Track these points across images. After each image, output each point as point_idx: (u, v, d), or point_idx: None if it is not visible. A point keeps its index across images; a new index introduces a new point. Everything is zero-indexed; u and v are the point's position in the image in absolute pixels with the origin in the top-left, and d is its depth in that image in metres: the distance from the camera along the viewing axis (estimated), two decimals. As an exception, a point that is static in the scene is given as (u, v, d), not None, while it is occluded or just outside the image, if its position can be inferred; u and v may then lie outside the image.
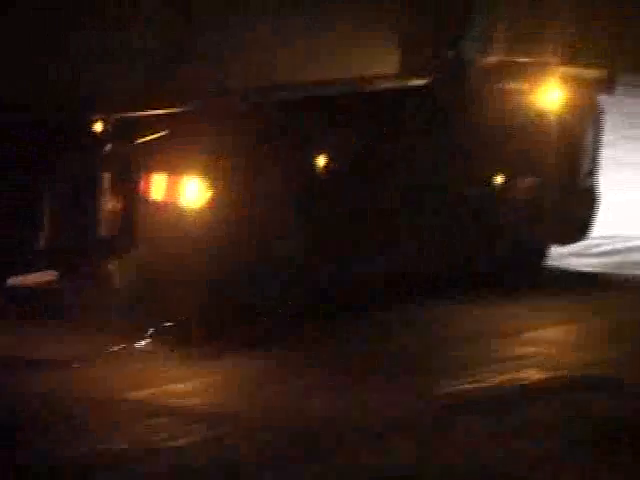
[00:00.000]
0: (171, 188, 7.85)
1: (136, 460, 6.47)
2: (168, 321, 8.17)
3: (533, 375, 8.58)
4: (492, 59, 10.05)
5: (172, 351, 8.15)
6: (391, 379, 8.27)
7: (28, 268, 7.67)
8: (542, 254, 11.69)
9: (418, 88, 9.66)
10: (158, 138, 7.48)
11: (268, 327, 8.65)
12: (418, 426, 7.30)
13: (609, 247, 13.09)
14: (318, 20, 9.04)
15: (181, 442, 6.81)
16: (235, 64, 8.04)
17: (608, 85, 11.41)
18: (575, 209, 11.50)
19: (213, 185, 8.03)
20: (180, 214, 7.92)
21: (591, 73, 11.10)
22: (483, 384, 8.40)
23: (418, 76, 9.59)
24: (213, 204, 8.05)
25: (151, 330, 7.94)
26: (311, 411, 7.53)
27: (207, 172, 7.98)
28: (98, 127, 7.17)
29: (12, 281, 8.11)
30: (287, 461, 6.70)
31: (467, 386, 8.27)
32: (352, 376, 8.24)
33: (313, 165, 8.95)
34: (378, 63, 9.59)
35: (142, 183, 7.62)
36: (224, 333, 8.52)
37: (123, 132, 7.36)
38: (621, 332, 10.16)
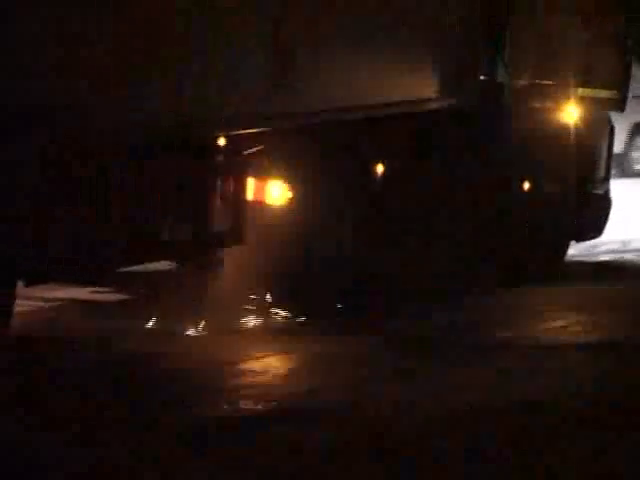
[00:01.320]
0: (265, 190, 8.98)
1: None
2: (270, 304, 9.42)
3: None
4: (522, 82, 11.05)
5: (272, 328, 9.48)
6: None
7: (154, 257, 8.79)
8: (565, 249, 13.02)
9: (459, 109, 10.64)
10: (257, 151, 8.62)
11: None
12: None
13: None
14: (366, 48, 10.14)
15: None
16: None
17: (618, 104, 12.49)
18: (591, 212, 12.81)
19: (293, 189, 9.23)
20: (269, 210, 9.19)
21: (604, 93, 12.25)
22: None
23: (459, 98, 10.58)
24: (293, 203, 9.27)
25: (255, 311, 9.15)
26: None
27: (288, 179, 9.17)
28: (221, 141, 8.39)
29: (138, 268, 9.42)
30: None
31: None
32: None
33: (367, 177, 10.08)
34: (420, 87, 10.65)
35: (247, 187, 8.81)
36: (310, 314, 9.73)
37: (234, 145, 8.54)
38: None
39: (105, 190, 8.13)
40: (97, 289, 10.49)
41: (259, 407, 7.68)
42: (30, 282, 8.38)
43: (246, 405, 7.73)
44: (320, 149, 9.95)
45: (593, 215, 12.98)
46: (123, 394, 7.65)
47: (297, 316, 9.70)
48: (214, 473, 6.33)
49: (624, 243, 15.27)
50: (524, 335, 10.16)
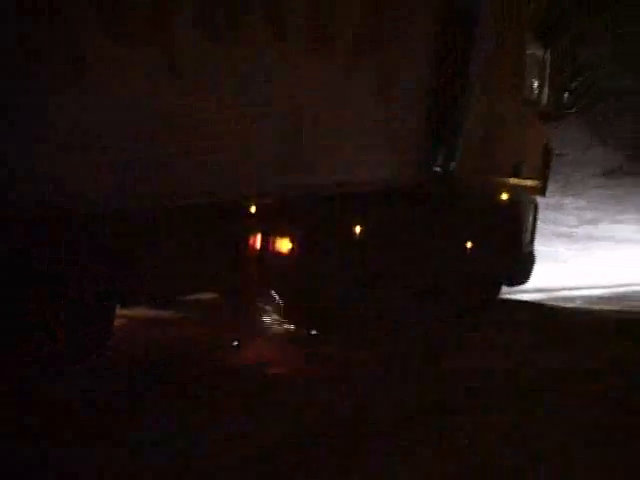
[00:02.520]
0: (282, 245, 11.49)
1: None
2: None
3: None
4: (469, 173, 13.42)
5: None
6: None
7: (209, 289, 11.46)
8: (498, 291, 15.57)
9: (418, 189, 13.02)
10: (276, 215, 11.33)
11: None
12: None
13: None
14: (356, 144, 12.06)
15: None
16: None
17: (541, 190, 15.66)
18: (519, 266, 15.41)
19: (299, 244, 11.59)
20: (284, 259, 11.47)
21: (530, 182, 15.16)
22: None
23: (422, 182, 12.95)
24: (301, 254, 11.52)
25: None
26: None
27: (295, 236, 11.49)
28: (252, 208, 10.95)
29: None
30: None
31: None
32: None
33: (355, 238, 12.34)
34: (396, 171, 12.63)
35: (270, 241, 11.45)
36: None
37: (260, 211, 11.13)
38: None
39: (184, 242, 10.23)
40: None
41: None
42: (124, 305, 10.12)
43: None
44: (319, 214, 11.86)
45: (521, 268, 15.37)
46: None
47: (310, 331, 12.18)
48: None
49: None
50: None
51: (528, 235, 15.38)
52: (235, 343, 11.41)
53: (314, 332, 12.25)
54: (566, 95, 17.55)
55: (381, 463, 7.58)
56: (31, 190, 8.27)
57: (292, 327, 12.35)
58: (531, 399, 9.91)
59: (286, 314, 12.29)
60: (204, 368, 10.32)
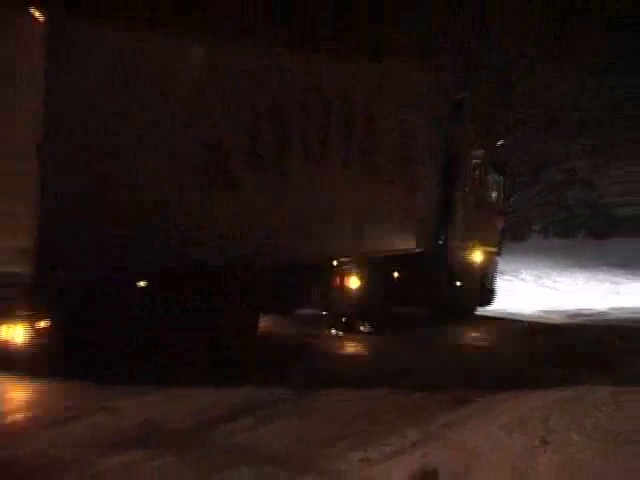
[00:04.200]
0: (350, 281, 17.20)
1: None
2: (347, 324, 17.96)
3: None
4: (456, 243, 19.67)
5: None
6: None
7: (308, 307, 17.06)
8: (474, 310, 20.95)
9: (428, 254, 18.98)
10: (347, 265, 17.48)
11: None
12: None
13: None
14: (387, 227, 17.73)
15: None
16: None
17: (499, 252, 21.38)
18: (486, 295, 21.08)
19: (360, 280, 17.20)
20: (353, 290, 17.15)
21: (492, 248, 21.01)
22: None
23: (429, 250, 18.87)
24: (359, 288, 16.94)
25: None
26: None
27: (359, 276, 17.05)
28: (334, 263, 17.27)
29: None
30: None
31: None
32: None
33: (392, 279, 17.89)
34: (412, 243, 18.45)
35: (344, 280, 17.32)
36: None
37: (339, 263, 17.20)
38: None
39: (298, 280, 15.07)
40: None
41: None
42: (264, 314, 14.83)
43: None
44: (368, 267, 17.18)
45: (486, 296, 21.06)
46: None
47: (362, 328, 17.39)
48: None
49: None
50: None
51: (492, 276, 20.98)
52: (334, 332, 16.57)
53: (365, 329, 16.96)
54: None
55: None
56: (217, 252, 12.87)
57: (337, 330, 17.15)
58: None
59: (345, 323, 17.08)
60: (312, 348, 15.43)
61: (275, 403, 11.27)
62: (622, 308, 23.25)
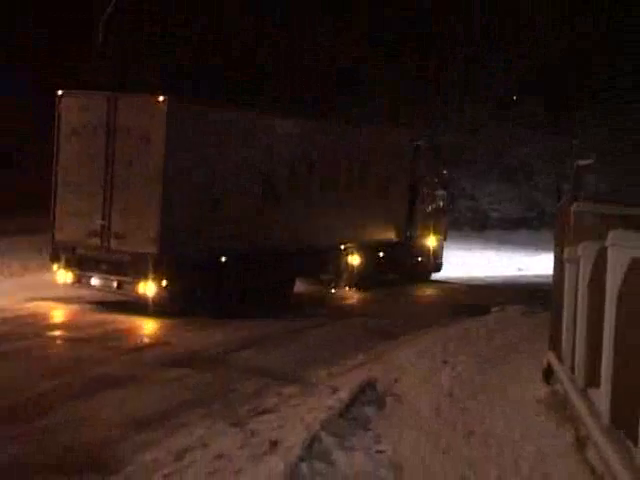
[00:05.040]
0: (353, 259, 21.62)
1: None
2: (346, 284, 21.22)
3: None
4: (418, 234, 24.83)
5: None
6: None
7: (325, 274, 21.05)
8: (429, 276, 25.05)
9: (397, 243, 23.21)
10: (350, 247, 21.45)
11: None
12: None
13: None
14: (377, 222, 22.83)
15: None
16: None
17: (444, 239, 25.91)
18: (436, 266, 25.38)
19: (360, 258, 21.70)
20: (353, 265, 21.65)
21: (441, 237, 25.82)
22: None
23: (399, 240, 23.44)
24: (360, 263, 21.72)
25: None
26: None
27: (359, 255, 21.70)
28: (342, 247, 20.87)
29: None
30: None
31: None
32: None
33: (376, 258, 22.76)
34: (390, 235, 23.09)
35: (350, 258, 21.55)
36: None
37: (346, 246, 21.22)
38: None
39: (319, 257, 19.69)
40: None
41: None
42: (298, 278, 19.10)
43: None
44: (364, 249, 21.61)
45: (437, 267, 25.39)
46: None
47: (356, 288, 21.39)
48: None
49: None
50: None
51: (440, 256, 25.52)
52: (332, 291, 20.64)
53: (359, 288, 21.01)
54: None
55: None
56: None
57: (347, 288, 21.02)
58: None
59: (347, 284, 21.23)
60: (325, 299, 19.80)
61: (279, 336, 14.58)
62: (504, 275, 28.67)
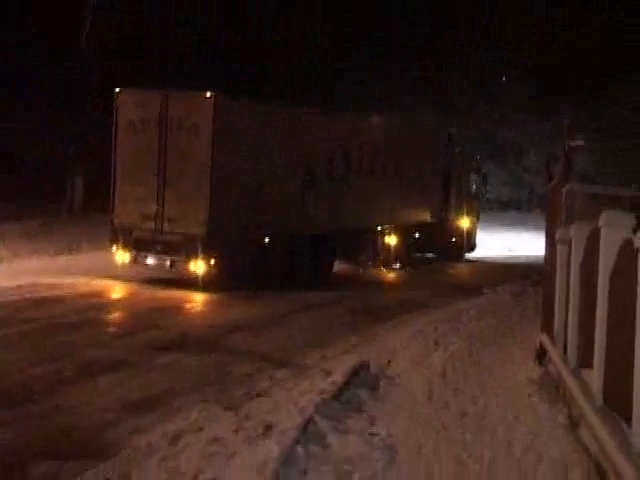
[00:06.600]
0: (389, 241, 23.15)
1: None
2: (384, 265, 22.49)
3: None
4: (452, 216, 26.31)
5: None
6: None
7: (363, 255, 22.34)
8: (463, 255, 26.18)
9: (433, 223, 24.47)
10: (387, 233, 22.87)
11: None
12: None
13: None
14: (414, 203, 24.65)
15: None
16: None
17: (477, 220, 27.63)
18: (470, 246, 26.58)
19: (395, 241, 23.23)
20: (390, 247, 23.22)
21: (474, 219, 27.49)
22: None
23: (436, 220, 25.07)
24: (395, 245, 23.31)
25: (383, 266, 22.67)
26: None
27: (395, 236, 23.16)
28: (379, 228, 22.43)
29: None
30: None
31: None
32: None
33: (414, 237, 24.39)
34: (425, 216, 24.63)
35: (385, 240, 23.19)
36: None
37: (382, 229, 22.50)
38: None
39: (356, 239, 21.08)
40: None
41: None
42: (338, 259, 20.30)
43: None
44: (401, 230, 22.85)
45: (471, 247, 26.62)
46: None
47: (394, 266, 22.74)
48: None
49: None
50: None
51: (474, 236, 26.90)
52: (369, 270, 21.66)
53: (397, 266, 22.51)
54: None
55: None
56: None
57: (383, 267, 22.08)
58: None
59: (386, 263, 22.38)
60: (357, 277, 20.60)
61: (282, 317, 14.53)
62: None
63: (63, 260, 19.08)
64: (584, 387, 7.36)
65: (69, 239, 20.67)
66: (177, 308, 14.97)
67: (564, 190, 9.89)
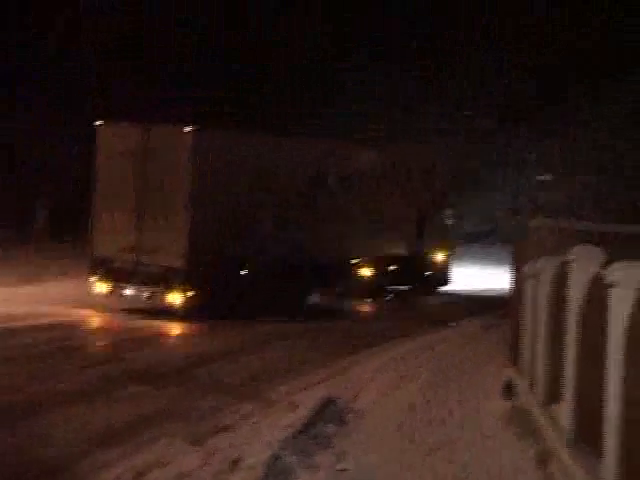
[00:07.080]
0: (362, 269, 23.05)
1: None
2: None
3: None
4: (427, 250, 25.83)
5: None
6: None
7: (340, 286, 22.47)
8: (436, 289, 25.83)
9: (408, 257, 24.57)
10: (363, 264, 22.75)
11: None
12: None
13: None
14: (392, 238, 24.36)
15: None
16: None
17: (451, 255, 27.10)
18: (444, 280, 26.15)
19: (373, 270, 23.12)
20: (364, 276, 23.14)
21: (448, 251, 26.89)
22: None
23: (412, 253, 24.75)
24: (371, 276, 23.17)
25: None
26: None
27: (370, 266, 23.14)
28: (354, 261, 22.37)
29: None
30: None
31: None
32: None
33: (387, 269, 24.12)
34: (403, 249, 24.56)
35: (357, 270, 22.95)
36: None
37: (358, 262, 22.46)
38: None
39: (335, 270, 21.03)
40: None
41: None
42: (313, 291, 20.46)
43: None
44: (376, 262, 22.92)
45: (444, 281, 26.21)
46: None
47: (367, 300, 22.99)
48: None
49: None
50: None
51: (447, 271, 26.54)
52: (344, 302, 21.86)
53: (369, 300, 22.63)
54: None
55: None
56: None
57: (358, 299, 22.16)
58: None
59: (360, 295, 22.50)
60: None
61: (255, 347, 14.71)
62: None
63: (28, 289, 19.06)
64: (553, 421, 7.32)
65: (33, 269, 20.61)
66: (149, 339, 15.02)
67: (531, 224, 9.92)
